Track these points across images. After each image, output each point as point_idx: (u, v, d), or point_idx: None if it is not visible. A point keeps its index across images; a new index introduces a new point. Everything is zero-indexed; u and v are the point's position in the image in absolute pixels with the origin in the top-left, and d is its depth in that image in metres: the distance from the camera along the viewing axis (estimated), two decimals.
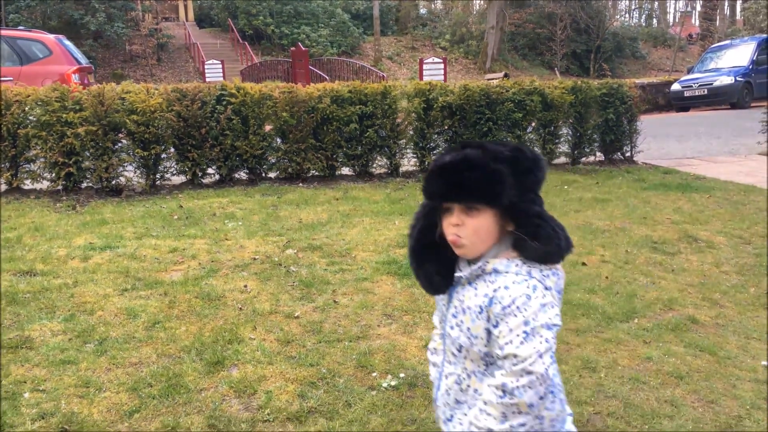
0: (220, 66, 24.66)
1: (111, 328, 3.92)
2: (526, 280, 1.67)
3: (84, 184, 7.45)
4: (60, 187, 7.30)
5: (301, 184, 7.99)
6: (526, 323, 1.63)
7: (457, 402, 1.83)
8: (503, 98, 8.94)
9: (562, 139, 9.58)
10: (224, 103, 7.76)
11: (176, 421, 3.04)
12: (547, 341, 1.65)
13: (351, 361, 3.64)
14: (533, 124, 9.37)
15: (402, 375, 3.50)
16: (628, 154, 10.04)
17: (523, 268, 1.70)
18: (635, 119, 9.81)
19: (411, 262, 1.85)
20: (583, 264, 5.22)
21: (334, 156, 8.32)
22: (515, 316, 1.64)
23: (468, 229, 1.70)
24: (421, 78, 18.71)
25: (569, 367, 3.66)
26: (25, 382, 3.29)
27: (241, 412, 3.15)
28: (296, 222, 6.19)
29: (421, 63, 20.15)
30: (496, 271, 1.70)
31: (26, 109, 7.21)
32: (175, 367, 3.51)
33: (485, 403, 1.68)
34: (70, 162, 7.15)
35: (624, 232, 6.06)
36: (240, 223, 6.10)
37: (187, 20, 37.10)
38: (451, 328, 1.79)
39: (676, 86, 20.66)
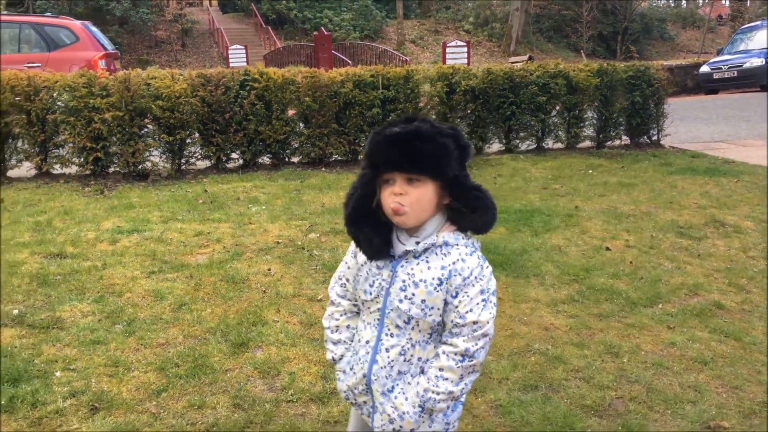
0: (244, 51, 24.72)
1: (139, 310, 4.00)
2: (474, 252, 1.83)
3: (111, 169, 7.57)
4: (88, 172, 7.42)
5: (323, 169, 8.02)
6: (482, 292, 1.79)
7: (399, 373, 1.87)
8: (527, 82, 8.87)
9: (587, 123, 9.48)
10: (248, 88, 7.80)
11: (202, 400, 3.11)
12: (494, 305, 1.85)
13: None
14: (557, 107, 9.28)
15: None
16: (654, 137, 9.90)
17: (468, 240, 1.84)
18: (662, 102, 9.66)
19: (349, 227, 1.85)
20: (607, 249, 5.19)
21: (357, 141, 8.33)
22: (473, 285, 1.78)
23: (411, 197, 1.76)
24: (444, 62, 18.59)
25: (591, 351, 3.66)
26: (56, 362, 3.39)
27: (265, 393, 3.20)
28: (319, 206, 6.23)
29: (444, 46, 20.00)
30: (446, 244, 1.80)
31: (54, 95, 7.32)
32: (201, 348, 3.57)
33: (441, 369, 1.81)
34: (98, 147, 7.26)
35: (649, 217, 6.00)
36: (263, 208, 6.15)
37: (210, 5, 37.19)
38: (400, 301, 1.82)
39: (704, 68, 20.26)
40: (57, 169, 7.55)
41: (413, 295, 1.80)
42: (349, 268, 1.97)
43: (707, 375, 3.45)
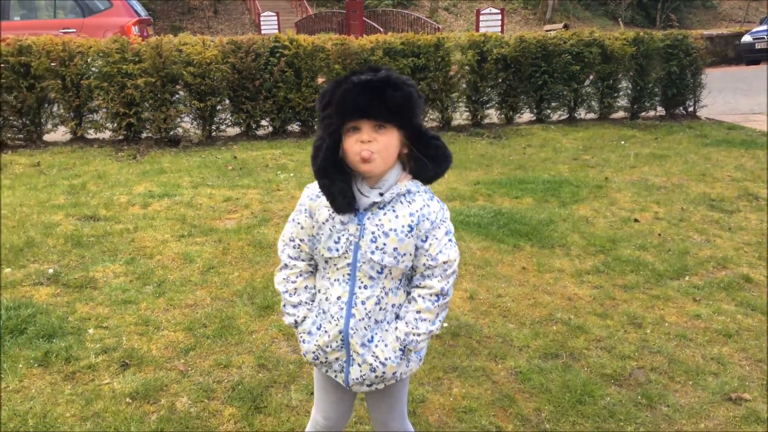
0: (276, 18, 24.64)
1: (169, 272, 4.11)
2: (432, 197, 1.90)
3: (144, 135, 7.70)
4: (121, 137, 7.56)
5: None
6: (447, 233, 1.88)
7: (377, 322, 1.90)
8: (560, 50, 8.72)
9: (621, 93, 9.31)
10: (277, 55, 7.82)
11: (228, 359, 3.20)
12: (455, 243, 1.91)
13: None
14: (591, 77, 9.12)
15: (445, 324, 3.56)
16: (690, 108, 9.69)
17: (424, 187, 1.90)
18: (700, 72, 9.42)
19: (322, 179, 1.81)
20: (636, 221, 5.13)
21: None
22: (440, 228, 1.86)
23: (380, 144, 1.77)
24: (477, 29, 18.31)
25: (614, 322, 3.66)
26: (89, 319, 3.51)
27: (289, 354, 3.28)
28: None
29: (478, 14, 19.68)
30: (409, 192, 1.85)
31: (88, 60, 7.43)
32: (228, 309, 3.66)
33: (419, 312, 1.89)
34: (131, 113, 7.38)
35: (681, 189, 5.91)
36: (292, 175, 6.21)
37: None
38: (372, 252, 1.83)
39: (746, 38, 19.62)
40: (91, 134, 7.70)
41: (384, 245, 1.82)
42: (302, 228, 1.93)
43: (731, 348, 3.43)
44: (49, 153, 6.96)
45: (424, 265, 1.87)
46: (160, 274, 4.06)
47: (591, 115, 9.38)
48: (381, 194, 1.83)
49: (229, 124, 8.04)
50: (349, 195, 1.82)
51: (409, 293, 1.94)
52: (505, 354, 3.32)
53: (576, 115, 9.28)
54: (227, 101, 7.92)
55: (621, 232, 4.91)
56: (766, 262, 4.47)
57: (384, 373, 1.93)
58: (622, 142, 7.87)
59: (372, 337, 1.91)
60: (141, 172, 6.23)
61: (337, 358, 1.95)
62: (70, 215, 4.94)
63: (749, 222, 5.19)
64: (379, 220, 1.83)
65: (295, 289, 1.98)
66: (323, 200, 1.86)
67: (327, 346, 1.93)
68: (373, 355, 1.91)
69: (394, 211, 1.84)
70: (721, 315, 3.75)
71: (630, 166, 6.73)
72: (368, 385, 1.96)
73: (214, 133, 8.00)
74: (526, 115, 9.30)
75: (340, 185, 1.80)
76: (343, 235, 1.85)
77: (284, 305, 2.01)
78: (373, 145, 1.77)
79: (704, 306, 3.85)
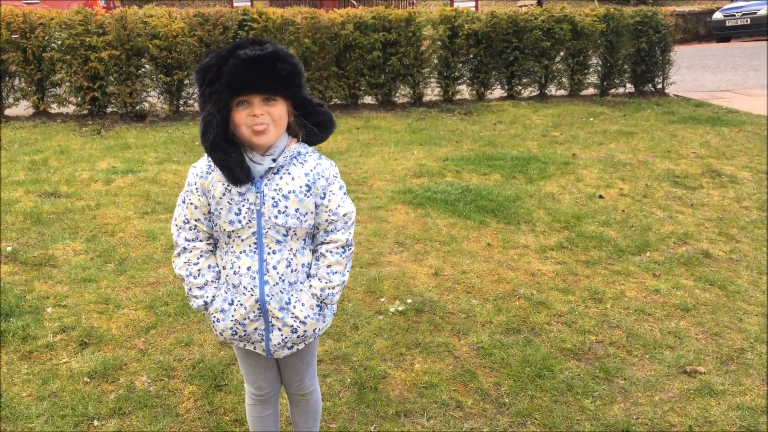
0: None
1: (131, 249, 4.05)
2: (321, 156, 1.98)
3: (109, 109, 7.54)
4: (86, 112, 7.39)
5: None
6: (341, 187, 1.98)
7: (290, 284, 1.95)
8: (531, 26, 8.70)
9: (591, 70, 9.34)
10: (246, 28, 7.69)
11: (190, 337, 3.18)
12: (349, 196, 2.02)
13: (361, 286, 3.73)
14: (561, 53, 9.12)
15: (409, 301, 3.58)
16: (659, 85, 9.76)
17: (311, 148, 1.98)
18: (669, 49, 9.48)
19: (216, 154, 1.81)
20: (600, 197, 5.18)
21: (357, 84, 8.25)
22: (334, 184, 1.96)
23: (271, 117, 1.83)
24: (452, 5, 18.17)
25: (575, 297, 3.71)
26: (48, 298, 3.45)
27: None
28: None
29: None
30: (300, 154, 1.93)
31: (51, 33, 7.23)
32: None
33: (329, 266, 1.97)
34: (95, 86, 7.21)
35: (646, 166, 5.97)
36: None
37: None
38: (275, 217, 1.87)
39: (717, 15, 19.75)
40: (54, 109, 7.52)
41: (286, 207, 1.88)
42: (196, 207, 1.92)
43: (688, 322, 3.50)
44: (11, 128, 6.79)
45: (327, 220, 1.95)
46: (122, 252, 4.01)
47: (561, 92, 9.40)
48: (274, 160, 1.86)
49: (197, 99, 7.90)
50: (246, 166, 1.84)
51: (315, 251, 2.00)
52: (468, 330, 3.35)
53: (547, 91, 9.29)
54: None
55: (586, 208, 4.95)
56: (726, 238, 4.56)
57: (305, 331, 1.98)
58: (591, 119, 7.92)
59: (289, 299, 1.94)
60: (105, 148, 6.12)
61: (255, 329, 1.97)
62: (30, 192, 4.84)
63: (711, 198, 5.27)
64: (277, 184, 1.87)
65: (199, 270, 1.97)
66: (215, 175, 1.87)
67: (245, 318, 1.95)
68: (292, 316, 1.95)
69: (289, 173, 1.89)
70: (679, 290, 3.82)
71: (598, 142, 6.78)
72: (289, 348, 2.01)
73: (181, 108, 7.87)
74: (498, 92, 9.29)
75: (236, 157, 1.82)
76: (243, 206, 1.87)
77: (189, 289, 1.99)
78: (265, 118, 1.81)
79: (663, 281, 3.92)
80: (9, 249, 3.95)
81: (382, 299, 3.60)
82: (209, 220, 1.94)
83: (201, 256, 1.97)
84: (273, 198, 1.86)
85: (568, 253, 4.26)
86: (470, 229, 4.54)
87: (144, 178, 5.26)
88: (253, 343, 2.01)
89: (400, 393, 2.87)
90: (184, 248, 1.97)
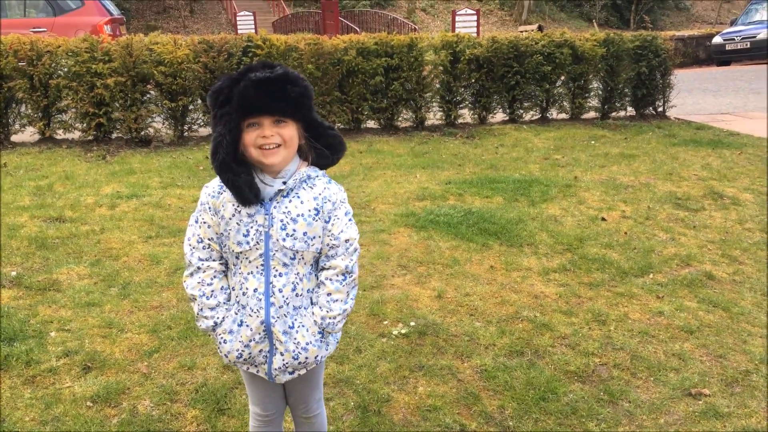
0: (252, 18, 24.48)
1: (134, 273, 4.07)
2: (329, 180, 1.98)
3: (114, 135, 7.61)
4: (91, 138, 7.46)
5: None
6: (347, 213, 1.97)
7: (295, 308, 1.94)
8: (532, 51, 8.78)
9: (591, 93, 9.41)
10: (250, 54, 7.78)
11: (193, 361, 3.18)
12: (354, 223, 2.00)
13: (364, 309, 3.73)
14: (562, 77, 9.20)
15: (413, 323, 3.58)
16: (660, 109, 9.82)
17: (321, 172, 1.99)
18: (669, 73, 9.55)
19: (225, 174, 1.83)
20: (603, 219, 5.19)
21: (360, 109, 8.32)
22: (340, 209, 1.95)
23: (281, 138, 1.84)
24: (453, 30, 18.37)
25: (579, 319, 3.70)
26: (51, 322, 3.46)
27: None
28: None
29: (454, 15, 19.74)
30: (309, 177, 1.94)
31: (57, 60, 7.32)
32: (193, 311, 3.63)
33: (329, 294, 1.95)
34: (101, 112, 7.29)
35: (648, 188, 5.99)
36: None
37: None
38: (283, 239, 1.87)
39: (717, 39, 19.92)
40: (60, 135, 7.59)
41: (294, 231, 1.88)
42: (209, 227, 1.93)
43: (692, 344, 3.49)
44: (16, 154, 6.85)
45: (328, 245, 1.94)
46: (126, 276, 4.02)
47: (563, 115, 9.46)
48: (284, 182, 1.87)
49: (202, 124, 7.98)
50: (255, 186, 1.85)
51: (318, 277, 1.99)
52: (471, 352, 3.35)
53: (548, 115, 9.35)
54: (199, 101, 7.86)
55: (588, 230, 4.96)
56: (729, 260, 4.55)
57: (307, 358, 1.97)
58: (593, 142, 7.96)
59: (292, 323, 1.94)
60: (110, 173, 6.16)
61: (260, 350, 1.96)
62: (35, 217, 4.87)
63: (714, 220, 5.27)
64: (286, 207, 1.88)
65: (212, 291, 1.96)
66: (226, 196, 1.88)
67: (251, 340, 1.95)
68: (294, 342, 1.95)
69: (298, 197, 1.90)
70: (683, 312, 3.81)
71: (599, 165, 6.80)
72: (290, 373, 2.00)
73: (186, 134, 7.93)
74: (499, 115, 9.36)
75: (246, 177, 1.84)
76: (252, 227, 1.88)
77: (200, 309, 1.98)
78: (275, 139, 1.82)
79: (667, 303, 3.91)
80: (13, 273, 3.97)
81: (386, 322, 3.60)
82: (220, 240, 1.94)
83: (215, 276, 1.97)
84: (282, 221, 1.87)
85: (571, 275, 4.26)
86: (473, 251, 4.54)
87: (148, 202, 5.29)
88: (256, 366, 2.00)
89: (404, 416, 2.85)
90: (198, 267, 1.96)
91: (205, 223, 1.94)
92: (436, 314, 3.71)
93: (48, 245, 4.40)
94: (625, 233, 4.93)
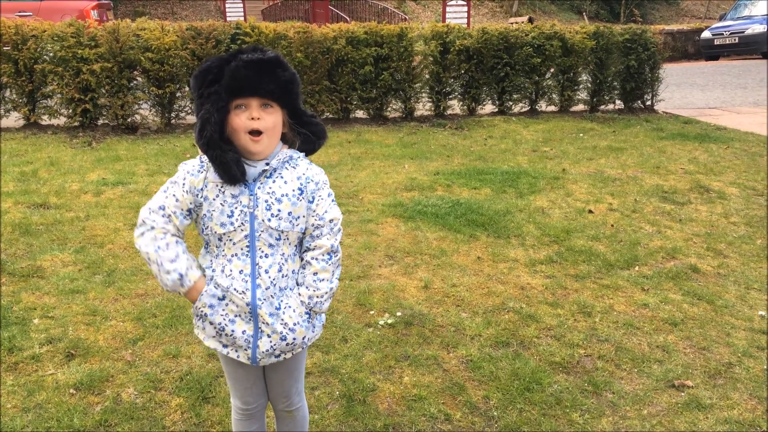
0: (242, 5, 24.27)
1: (120, 261, 4.04)
2: (310, 162, 1.98)
3: (100, 121, 7.54)
4: (77, 124, 7.38)
5: None
6: (329, 194, 1.98)
7: (281, 289, 1.93)
8: (522, 42, 8.78)
9: (581, 86, 9.42)
10: (239, 42, 7.71)
11: (178, 349, 3.16)
12: (336, 204, 2.01)
13: (350, 299, 3.72)
14: (552, 69, 9.20)
15: (399, 313, 3.58)
16: (648, 102, 9.85)
17: (301, 154, 1.97)
18: (658, 67, 9.58)
19: (213, 151, 1.79)
20: (590, 212, 5.21)
21: (349, 98, 8.28)
22: (323, 189, 1.96)
23: (268, 122, 1.83)
24: (444, 21, 18.32)
25: (564, 311, 3.71)
26: (35, 309, 3.43)
27: None
28: None
29: (444, 5, 19.69)
30: (291, 158, 1.93)
31: (42, 44, 7.23)
32: (179, 299, 3.61)
33: (316, 273, 1.95)
34: (86, 98, 7.21)
35: (635, 182, 6.02)
36: None
37: None
38: (269, 219, 1.86)
39: (706, 34, 19.99)
40: (45, 120, 7.51)
41: (279, 210, 1.87)
42: (177, 201, 1.86)
43: (676, 336, 3.51)
44: (1, 139, 6.77)
45: (313, 225, 1.94)
46: (111, 264, 3.99)
47: (552, 108, 9.48)
48: (267, 163, 1.86)
49: (189, 111, 7.92)
50: (242, 164, 1.83)
51: (302, 258, 1.98)
52: (457, 343, 3.35)
53: (537, 107, 9.36)
54: (187, 88, 7.79)
55: (575, 223, 4.98)
56: (714, 253, 4.59)
57: (294, 339, 1.95)
58: (581, 135, 7.98)
59: (279, 304, 1.92)
60: (95, 160, 6.11)
61: (243, 331, 1.91)
62: (19, 203, 4.82)
63: (699, 214, 5.31)
64: (270, 187, 1.87)
65: (167, 244, 1.86)
66: (208, 176, 1.85)
67: (236, 316, 1.90)
68: (282, 323, 1.92)
69: (281, 177, 1.89)
70: (668, 304, 3.83)
71: (587, 158, 6.82)
72: (276, 356, 1.97)
73: (173, 121, 7.87)
74: (489, 107, 9.35)
75: (233, 155, 1.82)
76: (236, 208, 1.85)
77: (160, 264, 1.85)
78: (261, 123, 1.81)
79: (652, 295, 3.93)
80: None
81: (372, 312, 3.60)
82: (185, 219, 1.88)
83: (170, 234, 1.87)
84: (266, 201, 1.85)
85: (558, 267, 4.27)
86: (460, 242, 4.55)
87: (134, 190, 5.24)
88: (237, 349, 1.96)
89: (389, 406, 2.86)
90: (152, 227, 1.86)
91: (173, 195, 1.87)
92: (422, 305, 3.71)
93: (32, 231, 4.35)
94: (612, 226, 4.95)
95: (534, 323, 3.57)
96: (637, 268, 4.30)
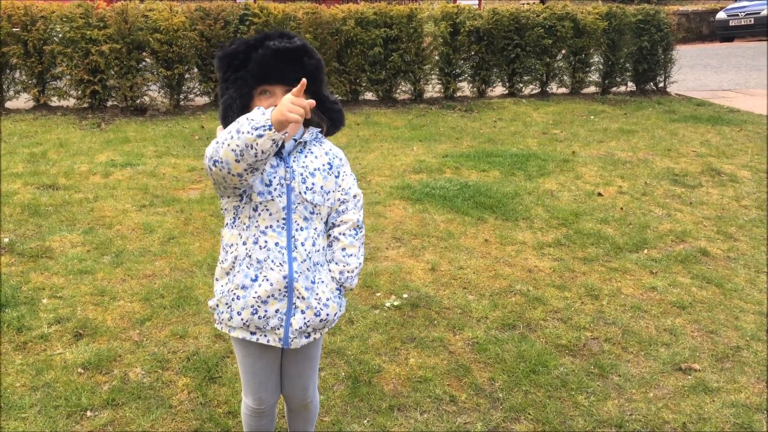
0: None
1: (128, 242, 4.05)
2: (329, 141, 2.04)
3: (109, 103, 7.53)
4: (86, 105, 7.39)
5: None
6: (350, 171, 2.05)
7: (315, 264, 1.93)
8: (533, 23, 8.68)
9: (592, 68, 9.32)
10: (247, 23, 7.68)
11: (185, 330, 3.18)
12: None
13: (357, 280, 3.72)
14: (563, 51, 9.10)
15: (405, 296, 3.58)
16: (661, 84, 9.74)
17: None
18: (671, 48, 9.45)
19: None
20: (599, 194, 5.17)
21: (358, 80, 8.24)
22: (346, 165, 2.04)
23: None
24: (454, 2, 18.14)
25: (572, 293, 3.70)
26: (44, 289, 3.45)
27: None
28: None
29: None
30: (317, 136, 1.97)
31: (51, 25, 7.22)
32: (186, 280, 3.63)
33: (344, 248, 1.98)
34: (95, 80, 7.21)
35: (646, 164, 5.96)
36: None
37: None
38: (304, 192, 1.88)
39: (721, 15, 19.68)
40: (55, 102, 7.52)
41: (313, 184, 1.90)
42: None
43: (684, 319, 3.49)
44: (11, 120, 6.79)
45: (339, 200, 1.99)
46: (119, 244, 4.01)
47: (563, 90, 9.39)
48: (295, 140, 1.89)
49: (198, 93, 7.90)
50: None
51: (329, 236, 2.00)
52: (464, 325, 3.35)
53: (548, 89, 9.28)
54: (195, 70, 7.77)
55: (584, 205, 4.94)
56: (724, 236, 4.55)
57: (327, 315, 1.95)
58: (592, 117, 7.91)
59: (314, 278, 1.92)
60: (104, 141, 6.12)
61: (277, 310, 1.88)
62: (28, 184, 4.84)
63: (710, 197, 5.26)
64: (303, 162, 1.90)
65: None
66: None
67: (269, 296, 1.86)
68: (316, 298, 1.92)
69: (312, 152, 1.94)
70: (676, 287, 3.81)
71: (598, 140, 6.77)
72: (307, 336, 1.95)
73: (182, 102, 7.86)
74: (499, 89, 9.28)
75: None
76: (274, 178, 1.85)
77: (239, 124, 1.64)
78: None
79: (660, 278, 3.91)
80: (6, 240, 3.95)
81: (378, 294, 3.60)
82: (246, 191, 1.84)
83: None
84: (301, 174, 1.88)
85: (566, 249, 4.25)
86: (468, 225, 4.53)
87: (143, 171, 5.26)
88: (266, 333, 1.91)
89: (394, 387, 2.86)
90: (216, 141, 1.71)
91: None
92: (429, 287, 3.71)
93: (41, 212, 4.37)
94: (621, 209, 4.91)
95: (541, 306, 3.56)
96: (645, 251, 4.27)
